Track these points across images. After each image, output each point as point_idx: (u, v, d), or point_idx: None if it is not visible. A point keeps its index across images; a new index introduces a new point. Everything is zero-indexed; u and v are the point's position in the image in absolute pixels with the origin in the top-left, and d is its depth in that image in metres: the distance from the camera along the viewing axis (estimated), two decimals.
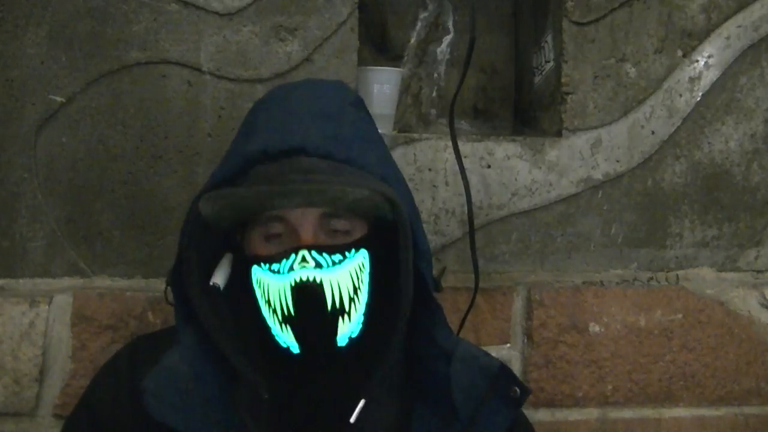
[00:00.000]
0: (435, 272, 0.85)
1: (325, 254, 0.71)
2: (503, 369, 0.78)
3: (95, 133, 1.07)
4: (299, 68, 1.10)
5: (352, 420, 0.72)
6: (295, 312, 0.71)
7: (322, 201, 0.71)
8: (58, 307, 1.06)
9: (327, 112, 0.77)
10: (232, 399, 0.75)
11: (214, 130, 1.08)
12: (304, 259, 0.70)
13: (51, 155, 1.06)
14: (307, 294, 0.70)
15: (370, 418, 0.74)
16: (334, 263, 0.71)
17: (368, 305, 0.74)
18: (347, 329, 0.73)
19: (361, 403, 0.73)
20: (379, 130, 1.07)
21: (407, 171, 1.12)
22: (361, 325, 0.74)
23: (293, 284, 0.70)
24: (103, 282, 1.08)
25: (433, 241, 1.14)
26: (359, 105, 0.83)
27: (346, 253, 0.72)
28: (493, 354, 1.11)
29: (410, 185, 1.12)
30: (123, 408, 0.78)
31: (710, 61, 1.19)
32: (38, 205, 1.06)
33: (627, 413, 1.17)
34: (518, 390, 0.77)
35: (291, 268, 0.70)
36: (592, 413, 1.16)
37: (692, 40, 1.19)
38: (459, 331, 1.09)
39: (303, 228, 0.72)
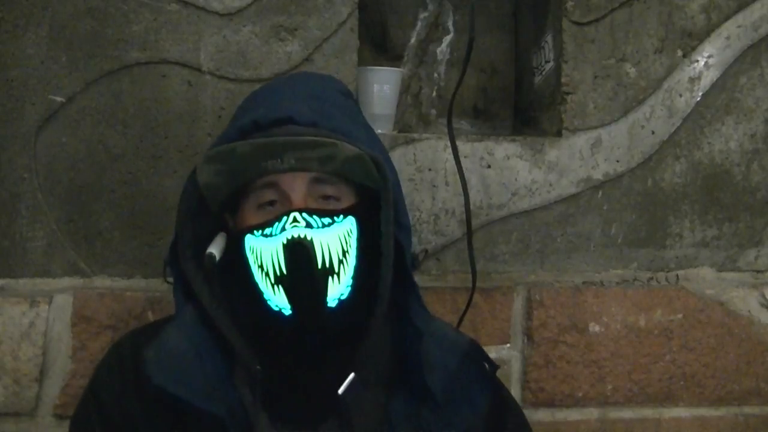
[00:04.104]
0: (419, 252, 0.87)
1: (315, 216, 0.75)
2: (472, 345, 0.81)
3: (95, 133, 1.07)
4: (299, 68, 1.10)
5: (340, 391, 0.75)
6: (287, 270, 0.74)
7: (316, 156, 0.74)
8: (58, 307, 1.06)
9: (315, 94, 0.82)
10: (230, 374, 0.78)
11: (214, 130, 1.08)
12: (295, 219, 0.74)
13: (51, 155, 1.06)
14: (298, 251, 0.73)
15: (357, 400, 0.76)
16: (324, 225, 0.75)
17: (356, 270, 0.77)
18: (336, 290, 0.75)
19: (351, 376, 0.76)
20: (379, 130, 1.08)
21: (407, 171, 1.12)
22: (349, 288, 0.76)
23: (285, 242, 0.74)
24: (103, 282, 1.08)
25: (433, 240, 1.14)
26: (348, 95, 0.88)
27: (335, 218, 0.76)
28: (493, 354, 1.14)
29: (410, 185, 1.13)
30: (129, 392, 0.79)
31: (710, 61, 1.19)
32: (38, 205, 1.06)
33: (627, 413, 1.17)
34: (487, 365, 0.81)
35: (283, 229, 0.74)
36: (592, 413, 1.17)
37: (692, 40, 1.19)
38: None
39: (294, 192, 0.76)
